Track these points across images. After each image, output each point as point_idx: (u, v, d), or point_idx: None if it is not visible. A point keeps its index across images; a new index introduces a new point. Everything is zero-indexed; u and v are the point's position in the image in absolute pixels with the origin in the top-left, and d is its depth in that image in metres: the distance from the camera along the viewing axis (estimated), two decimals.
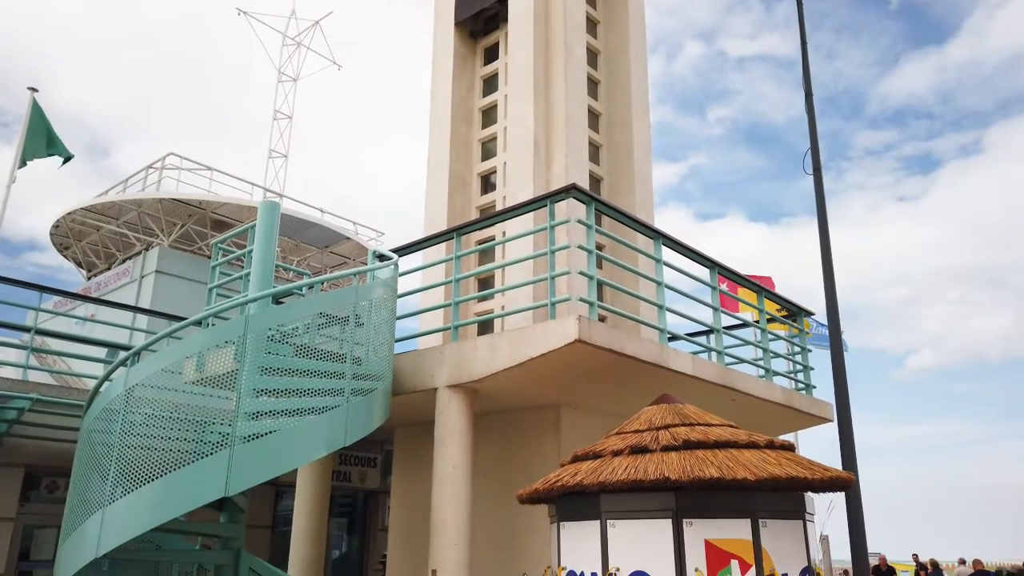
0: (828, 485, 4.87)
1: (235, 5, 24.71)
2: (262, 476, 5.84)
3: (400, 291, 8.24)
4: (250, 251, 7.84)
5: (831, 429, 9.80)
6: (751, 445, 4.94)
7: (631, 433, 5.27)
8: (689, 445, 4.85)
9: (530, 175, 9.68)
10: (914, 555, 24.05)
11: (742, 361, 10.02)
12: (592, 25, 11.58)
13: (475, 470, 7.71)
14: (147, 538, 6.10)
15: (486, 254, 10.13)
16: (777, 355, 10.40)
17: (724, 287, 9.51)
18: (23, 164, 13.29)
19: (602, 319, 8.25)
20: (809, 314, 11.62)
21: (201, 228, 18.43)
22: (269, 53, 27.72)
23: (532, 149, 9.79)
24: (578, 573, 4.87)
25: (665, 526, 4.57)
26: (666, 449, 4.84)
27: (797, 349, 11.25)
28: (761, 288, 10.18)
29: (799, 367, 11.07)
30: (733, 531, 4.56)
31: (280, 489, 12.71)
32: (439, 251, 9.51)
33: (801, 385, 10.91)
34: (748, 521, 4.59)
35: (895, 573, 19.63)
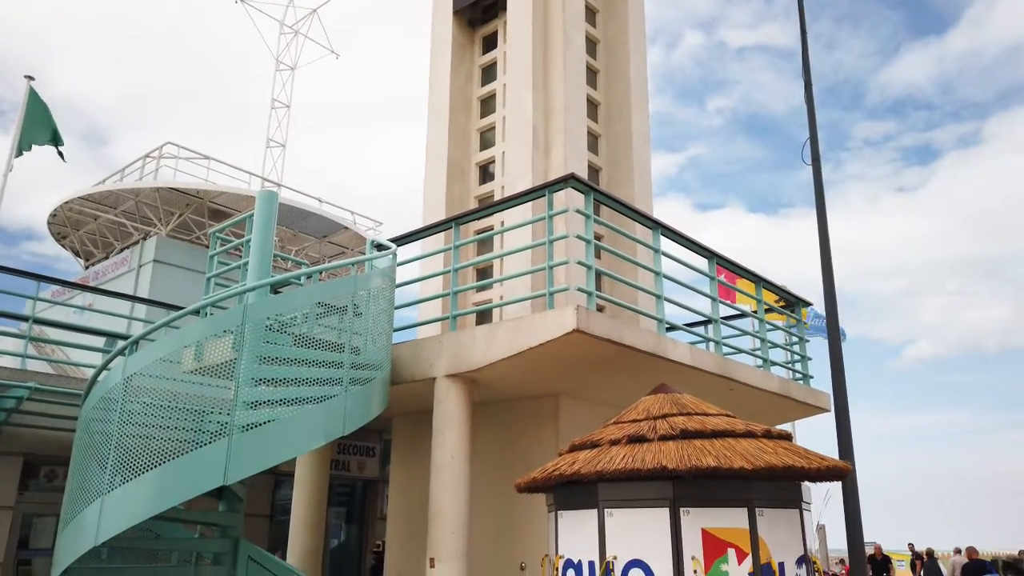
0: (825, 474, 4.88)
1: None
2: (260, 465, 5.86)
3: (398, 280, 8.24)
4: (248, 240, 7.82)
5: (828, 419, 9.83)
6: (748, 434, 4.95)
7: (629, 422, 5.28)
8: (687, 434, 4.86)
9: (529, 164, 9.67)
10: (910, 544, 24.17)
11: (740, 351, 10.03)
12: (591, 14, 11.53)
13: (473, 459, 7.73)
14: (146, 526, 6.11)
15: (484, 244, 10.13)
16: (775, 345, 10.42)
17: (722, 277, 9.52)
18: (20, 153, 13.24)
19: (600, 309, 8.25)
20: (807, 304, 11.64)
21: (199, 217, 18.39)
22: (267, 42, 27.63)
23: (531, 138, 9.77)
24: (576, 562, 4.89)
25: (662, 515, 4.58)
26: (664, 438, 4.86)
27: (795, 339, 11.27)
28: (759, 278, 10.19)
29: (797, 357, 11.09)
30: (730, 520, 4.57)
31: (279, 478, 12.75)
32: (437, 241, 9.51)
33: (799, 375, 10.93)
34: (745, 510, 4.60)
35: (890, 562, 19.74)
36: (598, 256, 9.14)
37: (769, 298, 10.87)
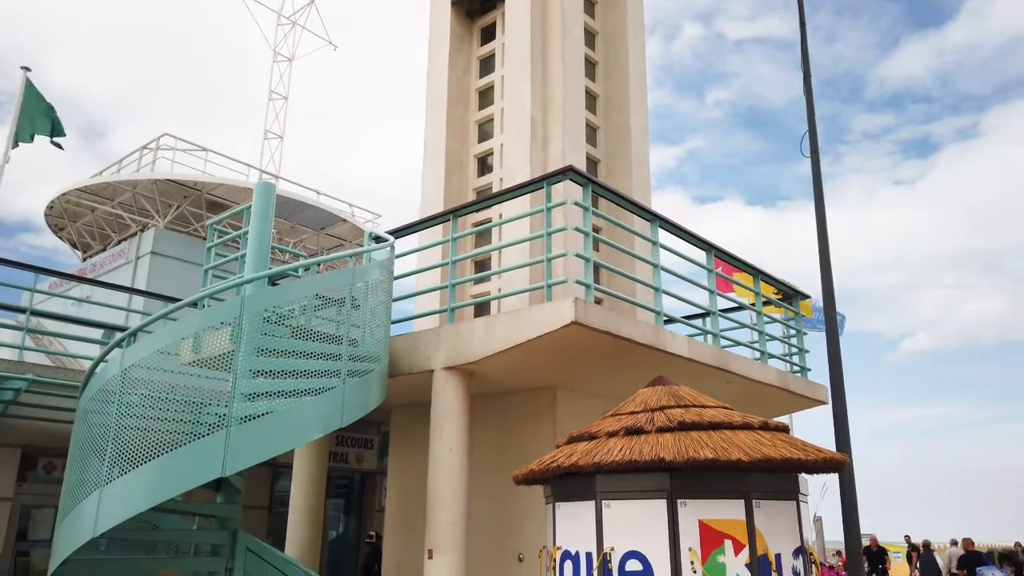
0: (822, 466, 4.89)
1: None
2: (258, 457, 5.86)
3: (396, 273, 8.23)
4: (246, 232, 7.81)
5: (826, 411, 9.86)
6: (746, 426, 4.96)
7: (626, 414, 5.28)
8: (684, 426, 4.87)
9: (527, 157, 9.65)
10: (906, 536, 24.29)
11: (738, 344, 10.05)
12: (590, 5, 11.49)
13: (471, 451, 7.74)
14: (144, 518, 6.12)
15: (482, 236, 10.11)
16: (773, 338, 10.43)
17: (720, 270, 9.52)
18: (16, 144, 13.20)
19: (598, 301, 8.25)
20: (805, 297, 11.65)
21: (196, 209, 18.36)
22: (264, 33, 27.51)
23: (529, 130, 9.75)
24: (573, 553, 4.90)
25: (660, 506, 4.59)
26: (661, 430, 4.86)
27: (793, 332, 11.29)
28: (758, 271, 10.19)
29: (794, 350, 11.11)
30: (727, 511, 4.58)
31: (277, 470, 12.77)
32: (435, 233, 9.49)
33: (796, 367, 10.95)
34: (742, 501, 4.61)
35: (886, 554, 19.85)
36: (596, 248, 9.14)
37: (767, 291, 10.88)
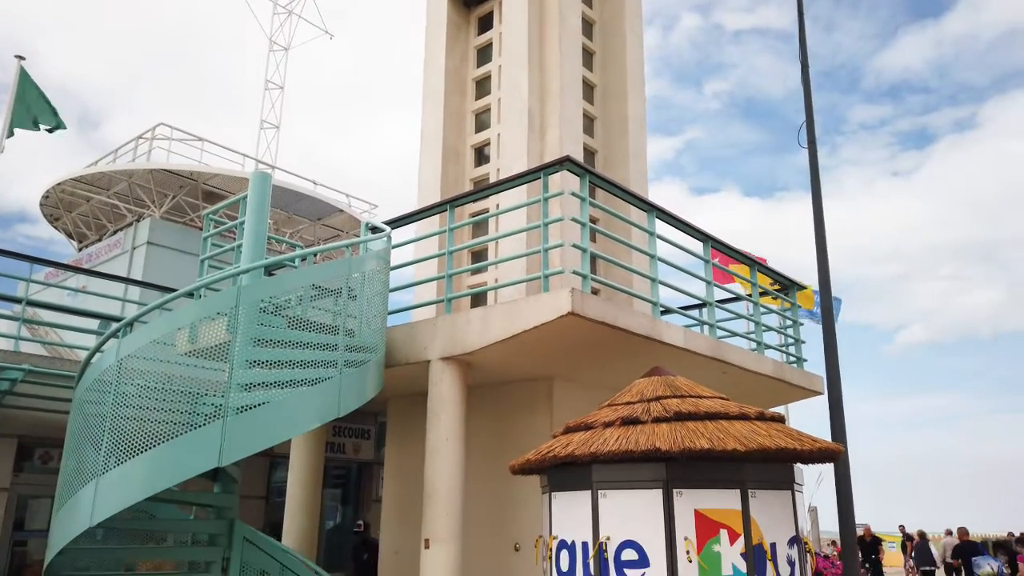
0: (817, 456, 4.91)
1: None
2: (255, 447, 5.87)
3: (393, 263, 8.22)
4: (242, 222, 7.79)
5: (822, 402, 9.88)
6: (741, 417, 4.97)
7: (623, 405, 5.29)
8: (680, 417, 4.88)
9: (524, 147, 9.62)
10: (901, 526, 24.40)
11: (734, 334, 10.06)
12: None
13: (468, 441, 7.75)
14: (141, 508, 6.13)
15: (479, 226, 10.10)
16: (769, 328, 10.45)
17: (717, 261, 9.52)
18: (11, 134, 13.12)
19: (595, 292, 8.25)
20: (801, 287, 11.65)
21: (192, 199, 18.29)
22: (260, 22, 27.33)
23: (526, 120, 9.72)
24: (569, 542, 4.92)
25: (655, 496, 4.61)
26: (657, 420, 4.87)
27: (789, 322, 11.30)
28: (754, 262, 10.19)
29: (791, 340, 11.13)
30: (722, 501, 4.60)
31: (274, 460, 12.78)
32: (432, 223, 9.48)
33: (792, 358, 10.97)
34: (737, 491, 4.63)
35: (880, 543, 19.93)
36: (593, 239, 9.12)
37: (764, 281, 10.89)
